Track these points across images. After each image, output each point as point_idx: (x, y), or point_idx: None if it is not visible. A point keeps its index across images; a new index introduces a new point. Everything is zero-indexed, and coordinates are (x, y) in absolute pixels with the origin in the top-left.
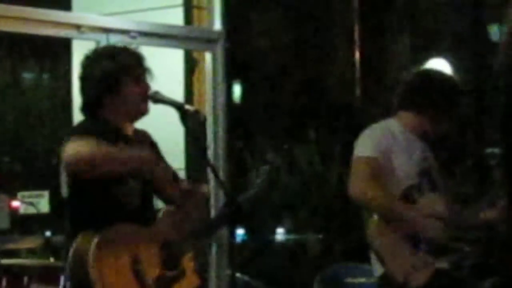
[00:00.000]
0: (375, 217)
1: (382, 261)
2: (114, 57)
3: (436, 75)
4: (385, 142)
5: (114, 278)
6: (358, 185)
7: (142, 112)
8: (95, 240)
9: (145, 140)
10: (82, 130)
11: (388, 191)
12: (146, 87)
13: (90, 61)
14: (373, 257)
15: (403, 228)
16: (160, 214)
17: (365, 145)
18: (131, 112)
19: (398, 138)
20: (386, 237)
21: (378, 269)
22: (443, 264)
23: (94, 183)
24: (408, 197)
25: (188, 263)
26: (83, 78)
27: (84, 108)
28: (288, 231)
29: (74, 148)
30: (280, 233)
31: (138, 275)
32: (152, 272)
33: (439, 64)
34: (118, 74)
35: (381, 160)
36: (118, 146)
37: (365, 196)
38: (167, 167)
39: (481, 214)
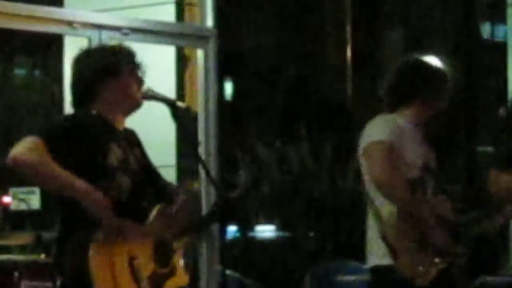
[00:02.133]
0: (391, 207)
1: (393, 252)
2: (109, 50)
3: (424, 62)
4: (395, 130)
5: (112, 275)
6: (380, 170)
7: (137, 104)
8: (94, 237)
9: (133, 139)
10: (51, 132)
11: (405, 180)
12: (140, 82)
13: (83, 55)
14: (369, 247)
15: (414, 223)
16: (153, 212)
17: (376, 131)
18: (126, 103)
19: (405, 130)
20: (400, 230)
21: (372, 260)
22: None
23: (80, 177)
24: (413, 188)
25: (178, 260)
26: (76, 72)
27: (76, 102)
28: (279, 228)
29: (21, 148)
30: (270, 230)
31: (134, 272)
32: (147, 269)
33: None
34: (115, 61)
35: (394, 145)
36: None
37: (390, 183)
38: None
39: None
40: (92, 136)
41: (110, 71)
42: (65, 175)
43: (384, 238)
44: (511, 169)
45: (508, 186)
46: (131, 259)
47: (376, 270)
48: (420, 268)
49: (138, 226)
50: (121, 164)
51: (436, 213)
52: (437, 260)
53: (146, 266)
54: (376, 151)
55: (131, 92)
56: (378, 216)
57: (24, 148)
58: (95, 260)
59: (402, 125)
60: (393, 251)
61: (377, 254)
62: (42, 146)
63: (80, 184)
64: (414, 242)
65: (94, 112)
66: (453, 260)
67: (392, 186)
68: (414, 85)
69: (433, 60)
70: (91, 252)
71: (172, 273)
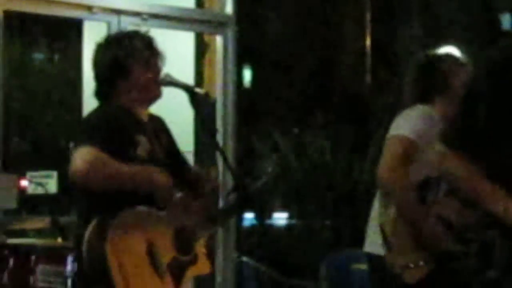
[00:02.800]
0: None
1: (388, 245)
2: (121, 43)
3: (445, 54)
4: (424, 126)
5: (130, 262)
6: (387, 167)
7: (154, 96)
8: (112, 224)
9: (159, 126)
10: (95, 133)
11: (408, 182)
12: (157, 70)
13: (100, 47)
14: (369, 230)
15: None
16: (174, 199)
17: (404, 125)
18: (143, 97)
19: (438, 124)
20: (398, 227)
21: (368, 245)
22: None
23: None
24: (424, 187)
25: (200, 248)
26: (94, 64)
27: (98, 93)
28: (295, 217)
29: (79, 164)
30: (287, 218)
31: (153, 259)
32: (167, 256)
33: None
34: (126, 59)
35: (417, 143)
36: (131, 166)
37: (390, 181)
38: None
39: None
40: (123, 129)
41: (120, 71)
42: (130, 170)
43: (382, 229)
44: None
45: None
46: (150, 246)
47: (370, 257)
48: (410, 265)
49: (157, 212)
50: (150, 155)
51: (440, 215)
52: (425, 262)
53: (166, 253)
54: (392, 146)
55: (144, 87)
56: (382, 205)
57: (85, 161)
58: (113, 247)
59: (436, 118)
60: (387, 244)
61: (374, 242)
62: (97, 152)
63: (151, 174)
64: (409, 242)
65: (115, 103)
66: (449, 261)
67: (393, 187)
68: (437, 78)
69: (454, 52)
70: (108, 239)
71: (194, 261)
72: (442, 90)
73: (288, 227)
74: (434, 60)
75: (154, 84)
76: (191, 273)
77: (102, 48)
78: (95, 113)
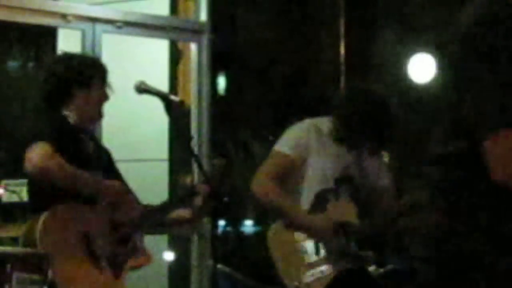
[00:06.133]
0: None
1: (276, 271)
2: (85, 62)
3: (362, 98)
4: (306, 140)
5: (64, 251)
6: (262, 181)
7: (99, 116)
8: (43, 217)
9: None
10: (49, 136)
11: (289, 195)
12: (107, 96)
13: (62, 58)
14: None
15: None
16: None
17: (285, 140)
18: (91, 113)
19: (323, 138)
20: (282, 245)
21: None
22: (345, 265)
23: None
24: (320, 200)
25: (139, 241)
26: (52, 73)
27: (47, 102)
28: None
29: (39, 156)
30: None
31: (90, 249)
32: (105, 247)
33: (424, 58)
34: (90, 76)
35: (296, 159)
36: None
37: (264, 194)
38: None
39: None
40: (71, 137)
41: (82, 82)
42: (80, 173)
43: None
44: None
45: None
46: (86, 237)
47: None
48: (296, 283)
49: (91, 206)
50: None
51: (332, 219)
52: (329, 269)
53: (104, 245)
54: (271, 159)
55: (96, 106)
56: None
57: (41, 155)
58: (44, 241)
59: (325, 131)
60: (276, 269)
61: None
62: (52, 149)
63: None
64: (298, 256)
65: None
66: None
67: (262, 199)
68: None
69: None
70: (38, 235)
71: (132, 253)
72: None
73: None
74: (348, 100)
75: (101, 108)
76: (130, 265)
77: (62, 61)
78: (52, 117)
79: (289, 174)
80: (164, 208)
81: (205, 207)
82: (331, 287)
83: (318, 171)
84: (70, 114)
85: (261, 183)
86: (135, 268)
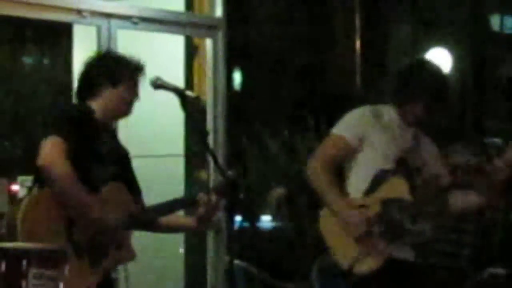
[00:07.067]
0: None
1: (328, 248)
2: (119, 59)
3: (426, 67)
4: (364, 124)
5: (44, 238)
6: (314, 165)
7: (126, 114)
8: (24, 202)
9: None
10: (65, 126)
11: (337, 181)
12: (137, 94)
13: (96, 57)
14: None
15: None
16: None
17: (344, 123)
18: (117, 111)
19: (381, 123)
20: (330, 223)
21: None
22: (406, 254)
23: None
24: (378, 180)
25: (126, 237)
26: (85, 69)
27: (79, 95)
28: (286, 219)
29: (51, 155)
30: (277, 221)
31: (70, 236)
32: (85, 232)
33: (440, 53)
34: (120, 74)
35: (354, 142)
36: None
37: (311, 174)
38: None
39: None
40: (88, 128)
41: (112, 80)
42: (84, 197)
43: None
44: None
45: None
46: (68, 224)
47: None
48: (356, 257)
49: None
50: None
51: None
52: (383, 246)
53: (86, 233)
54: (327, 142)
55: (123, 104)
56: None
57: (53, 156)
58: (25, 215)
59: (385, 116)
60: (327, 246)
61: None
62: (63, 146)
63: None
64: (348, 232)
65: (89, 107)
66: (453, 250)
67: (309, 178)
68: (412, 90)
69: (434, 67)
70: (22, 208)
71: (117, 246)
72: (413, 98)
73: (279, 230)
74: (411, 72)
75: (129, 106)
76: (112, 257)
77: (97, 59)
78: (70, 106)
79: (346, 157)
80: (156, 211)
81: (205, 217)
82: (380, 273)
83: (376, 153)
84: (96, 108)
85: (314, 167)
86: (119, 263)
